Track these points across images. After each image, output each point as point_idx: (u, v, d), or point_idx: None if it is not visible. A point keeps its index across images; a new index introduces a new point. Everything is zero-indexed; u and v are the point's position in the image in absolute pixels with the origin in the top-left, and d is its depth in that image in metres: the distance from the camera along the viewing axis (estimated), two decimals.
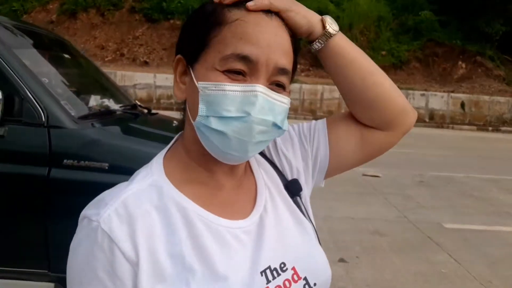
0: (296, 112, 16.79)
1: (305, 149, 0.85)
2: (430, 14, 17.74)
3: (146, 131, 2.64)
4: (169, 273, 0.62)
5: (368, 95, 0.80)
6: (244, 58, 0.64)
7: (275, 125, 0.67)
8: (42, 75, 2.37)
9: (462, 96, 16.03)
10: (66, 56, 3.00)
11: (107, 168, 2.12)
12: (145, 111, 3.31)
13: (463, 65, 17.57)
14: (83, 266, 0.64)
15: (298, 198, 0.81)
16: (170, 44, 18.36)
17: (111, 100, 2.97)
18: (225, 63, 0.64)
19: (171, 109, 16.75)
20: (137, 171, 0.73)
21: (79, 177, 2.12)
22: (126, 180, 0.71)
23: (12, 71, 2.15)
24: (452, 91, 16.28)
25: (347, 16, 19.41)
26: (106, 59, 17.02)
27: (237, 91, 0.63)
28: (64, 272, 0.68)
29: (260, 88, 0.64)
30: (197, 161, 0.72)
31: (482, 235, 4.48)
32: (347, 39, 0.80)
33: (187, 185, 0.71)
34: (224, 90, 0.63)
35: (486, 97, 15.93)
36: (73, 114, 2.24)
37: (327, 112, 16.78)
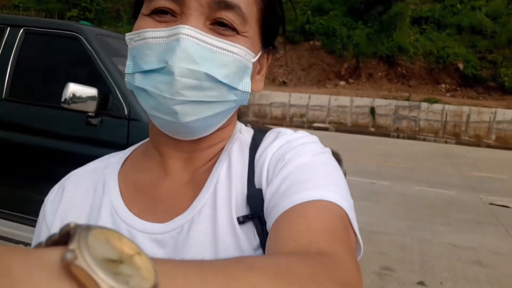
0: (436, 134, 15.52)
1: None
2: None
3: None
4: None
5: None
6: None
7: (214, 79, 0.51)
8: None
9: None
10: None
11: None
12: None
13: None
14: None
15: (255, 219, 0.53)
16: (308, 64, 18.97)
17: None
18: (149, 4, 0.53)
19: (302, 127, 17.21)
20: None
21: None
22: None
23: (108, 74, 2.69)
24: None
25: (506, 32, 17.37)
26: None
27: (161, 37, 0.50)
28: None
29: (186, 30, 0.49)
30: (153, 141, 0.62)
31: None
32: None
33: (132, 170, 0.63)
34: (146, 39, 0.51)
35: None
36: None
37: (473, 137, 15.09)
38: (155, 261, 0.24)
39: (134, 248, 0.23)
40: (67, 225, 0.23)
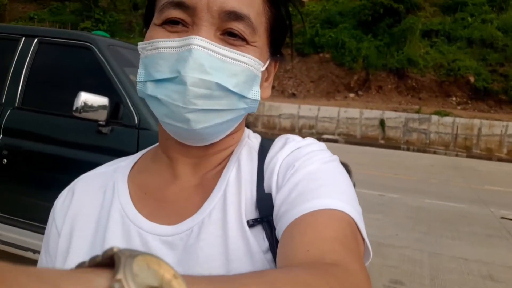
0: (447, 147, 15.38)
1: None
2: None
3: None
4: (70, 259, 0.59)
5: None
6: (180, 4, 0.52)
7: (225, 88, 0.52)
8: None
9: None
10: None
11: None
12: None
13: None
14: None
15: (264, 223, 0.55)
16: (317, 76, 19.01)
17: None
18: (161, 14, 0.54)
19: None
20: None
21: None
22: None
23: (119, 84, 2.72)
24: None
25: None
26: None
27: (173, 47, 0.52)
28: None
29: (197, 40, 0.50)
30: (162, 146, 0.63)
31: None
32: None
33: (141, 173, 0.64)
34: (158, 48, 0.53)
35: None
36: None
37: (485, 150, 14.94)
38: (189, 280, 0.25)
39: (172, 272, 0.24)
40: (110, 249, 0.24)
